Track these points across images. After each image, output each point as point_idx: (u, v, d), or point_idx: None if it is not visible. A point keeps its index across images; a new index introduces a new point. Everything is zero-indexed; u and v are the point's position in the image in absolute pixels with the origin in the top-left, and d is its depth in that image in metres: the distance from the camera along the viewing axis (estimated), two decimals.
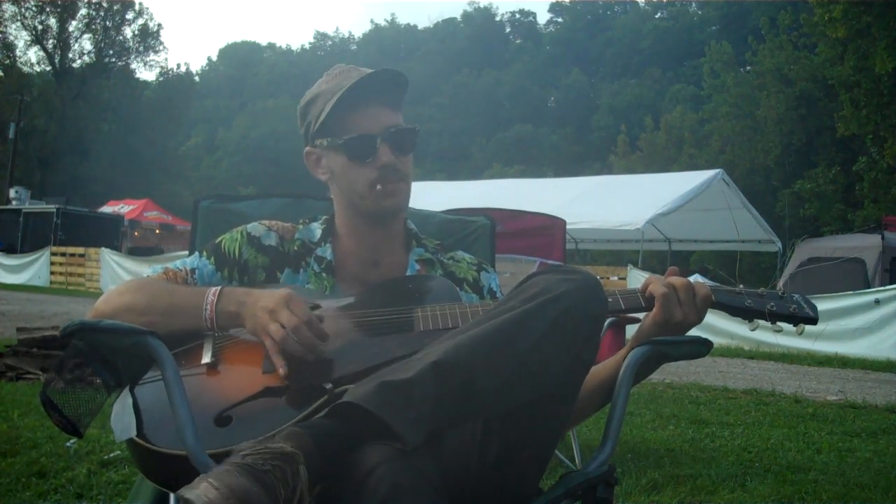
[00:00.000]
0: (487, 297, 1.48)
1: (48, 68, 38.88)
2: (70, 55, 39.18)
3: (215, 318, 1.24)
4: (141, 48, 40.53)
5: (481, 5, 68.56)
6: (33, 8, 37.15)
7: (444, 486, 0.98)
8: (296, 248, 1.45)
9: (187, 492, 0.85)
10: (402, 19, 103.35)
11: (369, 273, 1.44)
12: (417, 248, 1.50)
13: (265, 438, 0.94)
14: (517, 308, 1.08)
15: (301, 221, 1.51)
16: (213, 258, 1.41)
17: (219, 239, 1.45)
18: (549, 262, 4.02)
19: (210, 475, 0.87)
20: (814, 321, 1.33)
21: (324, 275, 1.43)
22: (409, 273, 1.47)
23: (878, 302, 8.22)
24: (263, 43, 72.20)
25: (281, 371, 1.17)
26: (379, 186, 1.38)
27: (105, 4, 38.82)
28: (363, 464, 0.94)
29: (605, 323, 3.14)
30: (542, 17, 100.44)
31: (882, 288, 8.81)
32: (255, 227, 1.45)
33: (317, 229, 1.48)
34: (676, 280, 1.29)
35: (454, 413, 1.03)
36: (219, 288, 1.27)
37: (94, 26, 39.16)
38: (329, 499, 0.96)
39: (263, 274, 1.41)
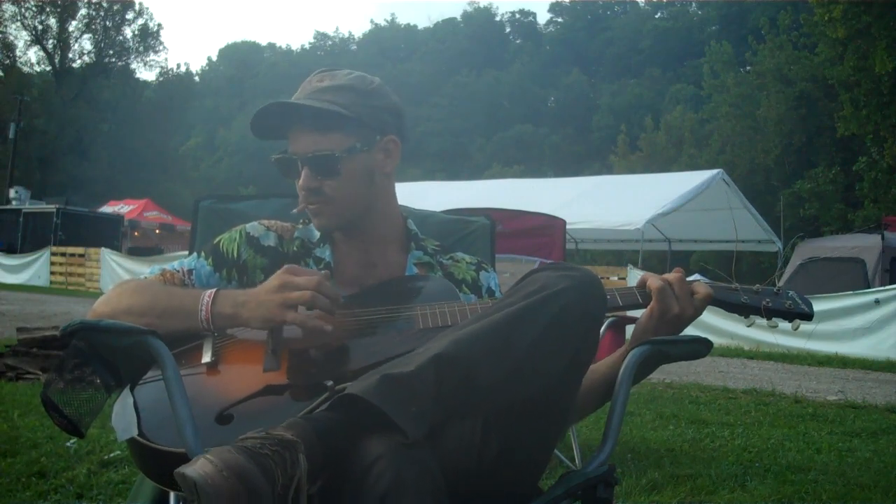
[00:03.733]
0: (486, 296, 1.48)
1: (48, 68, 38.92)
2: (70, 55, 39.30)
3: (211, 319, 1.24)
4: (141, 48, 40.62)
5: (481, 5, 68.74)
6: (33, 8, 37.21)
7: (444, 482, 0.99)
8: (295, 248, 1.45)
9: (185, 468, 0.87)
10: (402, 19, 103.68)
11: (367, 275, 1.43)
12: (416, 251, 1.49)
13: (266, 428, 0.95)
14: (517, 304, 1.09)
15: (301, 221, 1.51)
16: (210, 258, 1.41)
17: (217, 239, 1.44)
18: (549, 261, 4.02)
19: (208, 453, 0.88)
20: (809, 317, 1.34)
21: None
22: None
23: (878, 302, 8.22)
24: (263, 43, 72.47)
25: (328, 328, 1.19)
26: (303, 205, 1.41)
27: (105, 4, 38.88)
28: (365, 456, 0.95)
29: (605, 322, 3.15)
30: (542, 17, 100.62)
31: (882, 288, 8.81)
32: (254, 227, 1.45)
33: (316, 230, 1.48)
34: (672, 275, 1.31)
35: (455, 407, 1.04)
36: (214, 290, 1.27)
37: (94, 26, 39.22)
38: (331, 490, 0.97)
39: (262, 275, 1.39)
